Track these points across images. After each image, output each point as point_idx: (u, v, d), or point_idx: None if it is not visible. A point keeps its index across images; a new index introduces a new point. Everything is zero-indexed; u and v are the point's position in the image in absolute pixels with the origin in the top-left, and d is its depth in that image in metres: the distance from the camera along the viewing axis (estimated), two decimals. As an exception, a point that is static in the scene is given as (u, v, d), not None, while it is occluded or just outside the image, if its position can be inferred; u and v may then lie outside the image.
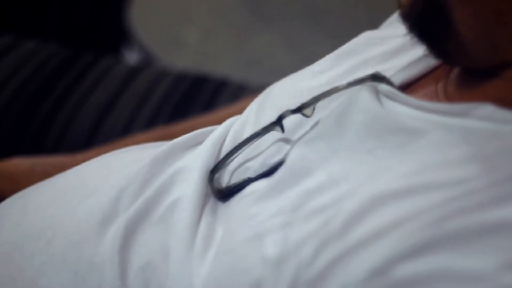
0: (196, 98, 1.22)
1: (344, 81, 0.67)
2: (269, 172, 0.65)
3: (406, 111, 0.62)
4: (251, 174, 0.66)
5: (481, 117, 0.59)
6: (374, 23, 0.86)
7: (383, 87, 0.65)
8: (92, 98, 1.18)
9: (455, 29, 0.60)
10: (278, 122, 0.66)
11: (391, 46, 0.72)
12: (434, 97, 0.66)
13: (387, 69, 0.69)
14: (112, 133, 1.15)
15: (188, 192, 0.66)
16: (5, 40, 1.26)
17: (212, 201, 0.66)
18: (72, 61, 1.24)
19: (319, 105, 0.66)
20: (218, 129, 0.73)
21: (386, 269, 0.54)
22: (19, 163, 0.90)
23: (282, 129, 0.66)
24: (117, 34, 1.86)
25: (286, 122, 0.66)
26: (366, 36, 0.77)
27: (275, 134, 0.67)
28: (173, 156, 0.71)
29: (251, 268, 0.59)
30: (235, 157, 0.68)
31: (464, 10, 0.59)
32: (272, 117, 0.67)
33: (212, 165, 0.68)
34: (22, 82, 1.18)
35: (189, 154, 0.71)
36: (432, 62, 0.68)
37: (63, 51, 1.26)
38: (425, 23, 0.62)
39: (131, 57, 1.71)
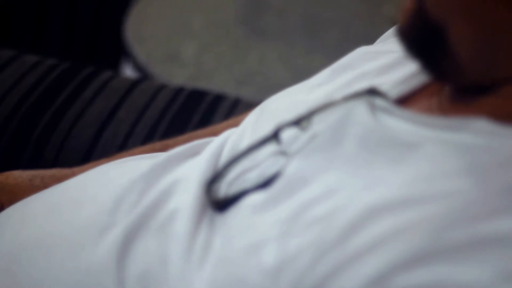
0: (193, 111, 1.22)
1: (341, 95, 0.68)
2: (266, 184, 0.65)
3: (401, 125, 0.63)
4: (248, 185, 0.67)
5: (476, 131, 0.59)
6: (370, 38, 0.86)
7: (379, 101, 0.65)
8: (91, 110, 1.18)
9: (451, 49, 0.61)
10: (275, 135, 0.67)
11: (387, 60, 0.73)
12: (429, 112, 0.66)
13: (383, 83, 0.70)
14: (111, 146, 1.15)
15: (187, 202, 0.67)
16: (7, 53, 1.26)
17: (210, 211, 0.66)
18: (72, 73, 1.24)
19: (316, 118, 0.67)
20: (216, 141, 0.73)
21: (384, 279, 0.54)
22: (18, 176, 0.90)
23: (279, 142, 0.67)
24: (115, 48, 1.87)
25: (283, 134, 0.67)
26: (361, 51, 0.78)
27: (272, 147, 0.68)
28: (170, 166, 0.72)
29: (249, 277, 0.59)
30: (233, 168, 0.68)
31: (461, 30, 0.60)
32: (269, 130, 0.68)
33: (210, 175, 0.69)
34: (23, 94, 1.18)
35: (187, 165, 0.72)
36: (427, 76, 0.68)
37: (64, 63, 1.27)
38: (422, 43, 0.63)
39: (129, 71, 1.71)
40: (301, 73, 1.45)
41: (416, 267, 0.54)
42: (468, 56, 0.60)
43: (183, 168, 0.72)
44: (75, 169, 0.93)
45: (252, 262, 0.60)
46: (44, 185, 0.88)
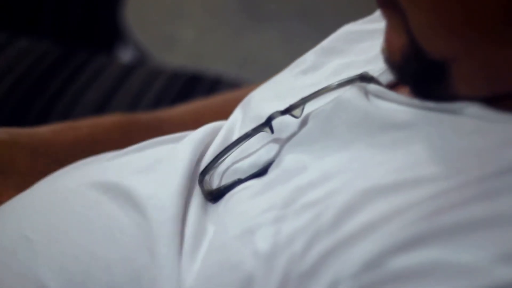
0: (191, 96, 1.22)
1: (329, 82, 0.67)
2: (260, 173, 0.65)
3: (395, 107, 0.62)
4: (241, 175, 0.66)
5: (470, 115, 0.59)
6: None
7: (372, 86, 0.65)
8: (86, 96, 1.18)
9: (449, 80, 0.60)
10: (267, 123, 0.66)
11: (375, 50, 0.72)
12: None
13: (373, 70, 0.69)
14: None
15: (171, 188, 0.66)
16: (-3, 38, 1.26)
17: (200, 201, 0.66)
18: (65, 59, 1.24)
19: (308, 106, 0.66)
20: (199, 131, 0.73)
21: (379, 262, 0.54)
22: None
23: (272, 130, 0.66)
24: (111, 32, 1.86)
25: (275, 123, 0.66)
26: (345, 31, 0.77)
27: (264, 135, 0.67)
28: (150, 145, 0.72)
29: (242, 262, 0.59)
30: (225, 158, 0.68)
31: (463, 68, 0.59)
32: (258, 121, 0.67)
33: (194, 163, 0.68)
34: (16, 81, 1.18)
35: (168, 147, 0.72)
36: None
37: (57, 49, 1.26)
38: (416, 75, 0.62)
39: (125, 55, 1.71)
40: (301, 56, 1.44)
41: (412, 249, 0.54)
42: (467, 90, 0.60)
43: (164, 149, 0.71)
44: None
45: (246, 247, 0.59)
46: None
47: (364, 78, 0.66)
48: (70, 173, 0.76)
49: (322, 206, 0.58)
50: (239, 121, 0.72)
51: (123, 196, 0.67)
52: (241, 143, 0.67)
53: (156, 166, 0.69)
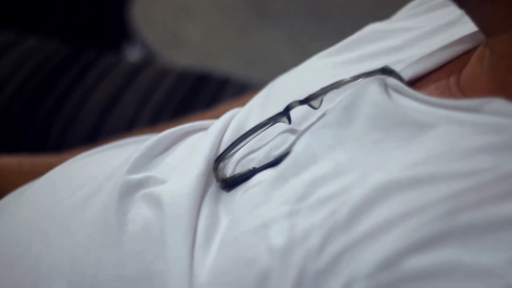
0: (199, 95, 1.22)
1: (348, 70, 0.67)
2: (275, 163, 0.65)
3: (414, 105, 0.62)
4: (256, 164, 0.66)
5: (492, 112, 0.58)
6: (378, 20, 0.85)
7: (392, 80, 0.64)
8: (94, 95, 1.18)
9: None
10: (285, 113, 0.66)
11: (397, 41, 0.72)
12: (446, 91, 0.65)
13: (395, 62, 0.68)
14: (115, 131, 1.14)
15: (188, 182, 0.65)
16: (6, 37, 1.26)
17: (214, 192, 0.66)
18: (74, 58, 1.24)
19: (327, 96, 0.66)
20: (220, 121, 0.72)
21: (394, 262, 0.53)
22: (6, 161, 0.89)
23: (289, 120, 0.66)
24: (119, 31, 1.86)
25: (293, 113, 0.66)
26: (371, 29, 0.76)
27: (281, 125, 0.67)
28: (163, 146, 0.71)
29: (257, 257, 0.58)
30: (240, 147, 0.67)
31: None
32: (277, 109, 0.67)
33: (213, 155, 0.68)
34: (24, 80, 1.18)
35: (187, 142, 0.71)
36: (444, 56, 0.68)
37: (65, 48, 1.26)
38: None
39: (133, 54, 1.71)
40: (309, 55, 1.44)
41: (428, 249, 0.52)
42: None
43: (183, 145, 0.71)
44: (64, 155, 0.92)
45: (261, 242, 0.58)
46: (34, 171, 0.87)
47: (385, 71, 0.65)
48: (91, 160, 0.76)
49: (338, 201, 0.57)
50: (256, 108, 0.72)
51: (142, 187, 0.67)
52: (257, 132, 0.67)
53: (179, 155, 0.69)
